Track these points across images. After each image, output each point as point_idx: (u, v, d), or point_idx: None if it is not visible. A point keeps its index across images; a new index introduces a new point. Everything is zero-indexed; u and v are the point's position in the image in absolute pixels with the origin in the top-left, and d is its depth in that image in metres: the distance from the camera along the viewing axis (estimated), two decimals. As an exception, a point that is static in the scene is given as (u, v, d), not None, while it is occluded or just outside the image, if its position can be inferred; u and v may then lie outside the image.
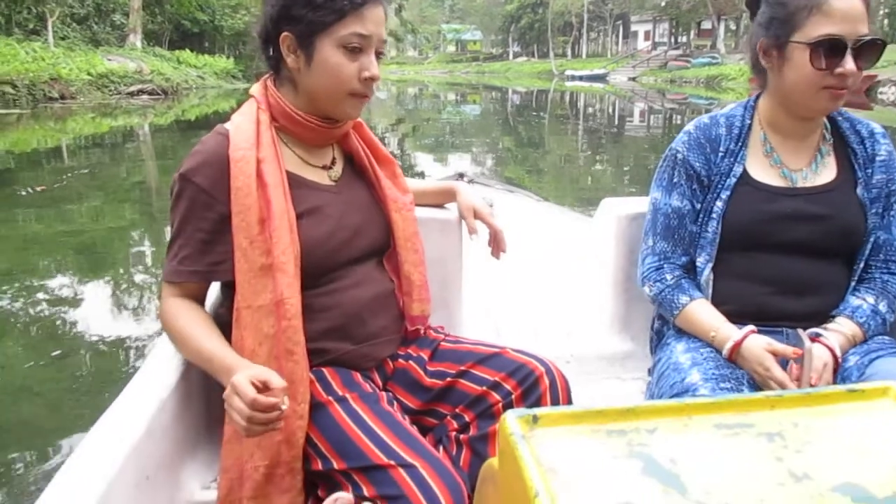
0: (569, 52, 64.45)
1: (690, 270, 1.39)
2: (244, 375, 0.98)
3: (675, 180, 1.37)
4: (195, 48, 30.62)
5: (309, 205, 1.17)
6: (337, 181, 1.25)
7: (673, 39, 52.80)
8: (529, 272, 1.93)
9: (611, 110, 22.22)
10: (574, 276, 2.01)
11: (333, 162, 1.26)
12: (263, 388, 0.98)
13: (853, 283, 1.34)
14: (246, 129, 1.15)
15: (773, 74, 1.28)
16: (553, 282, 2.07)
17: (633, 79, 43.71)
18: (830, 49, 1.18)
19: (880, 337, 1.32)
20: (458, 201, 1.54)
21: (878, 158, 1.33)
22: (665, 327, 1.46)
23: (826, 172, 1.32)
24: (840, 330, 1.29)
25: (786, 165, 1.32)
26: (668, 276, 1.36)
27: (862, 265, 1.34)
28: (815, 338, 1.26)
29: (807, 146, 1.33)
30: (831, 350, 1.24)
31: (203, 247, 1.14)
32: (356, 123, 1.31)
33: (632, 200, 1.80)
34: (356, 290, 1.20)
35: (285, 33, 1.12)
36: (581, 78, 44.93)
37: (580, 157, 10.73)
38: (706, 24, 50.89)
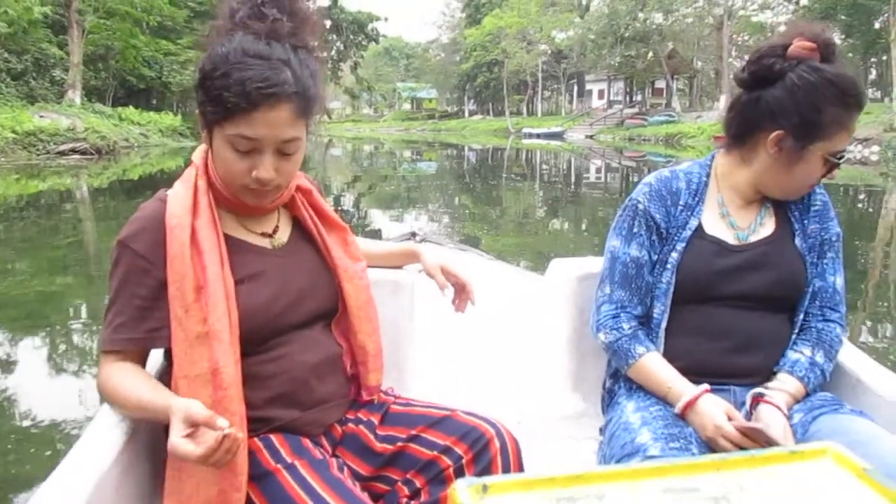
0: (524, 110, 66.12)
1: (644, 322, 1.44)
2: (175, 436, 0.97)
3: (634, 230, 1.43)
4: (141, 105, 30.59)
5: (250, 269, 1.18)
6: (281, 246, 1.26)
7: (628, 98, 54.66)
8: (481, 332, 1.97)
9: (568, 168, 22.73)
10: (526, 336, 2.04)
11: (276, 230, 1.27)
12: (195, 428, 0.98)
13: (794, 336, 1.42)
14: (182, 196, 1.16)
15: (772, 161, 1.35)
16: (505, 342, 2.09)
17: (591, 136, 44.85)
18: (836, 162, 1.32)
19: (822, 393, 1.39)
20: (423, 261, 1.56)
21: (812, 209, 1.44)
22: (616, 385, 1.50)
23: (768, 226, 1.43)
24: (783, 388, 1.35)
25: (736, 223, 1.41)
26: (625, 326, 1.41)
27: (802, 316, 1.42)
28: (759, 398, 1.32)
29: (754, 205, 1.44)
30: (779, 409, 1.29)
31: (140, 313, 1.13)
32: (303, 189, 1.32)
33: (581, 261, 1.86)
34: (302, 356, 1.21)
35: (198, 110, 1.14)
36: (538, 135, 46.01)
37: (538, 215, 10.91)
38: (660, 83, 53.00)
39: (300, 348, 1.21)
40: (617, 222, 1.48)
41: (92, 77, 29.95)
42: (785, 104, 1.29)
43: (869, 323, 4.76)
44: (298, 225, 1.32)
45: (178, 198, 1.16)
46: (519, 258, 6.95)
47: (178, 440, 0.96)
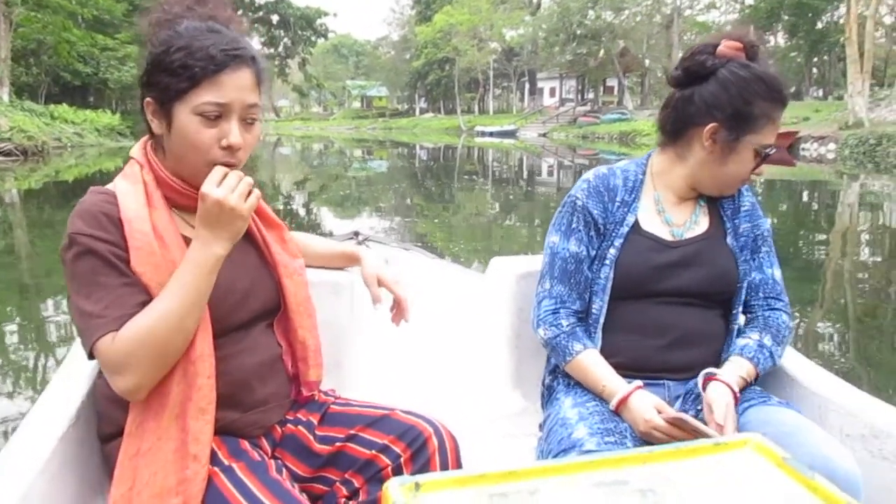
0: (476, 109, 66.32)
1: (583, 317, 1.49)
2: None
3: (573, 226, 1.49)
4: (77, 103, 29.71)
5: None
6: None
7: (580, 96, 55.32)
8: (423, 331, 1.96)
9: (521, 166, 22.89)
10: (467, 335, 2.08)
11: None
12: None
13: (734, 329, 1.50)
14: (133, 190, 1.15)
15: (706, 154, 1.42)
16: (446, 341, 2.12)
17: (544, 135, 45.19)
18: (766, 154, 1.41)
19: (752, 387, 1.47)
20: (362, 268, 1.56)
21: (742, 209, 1.53)
22: (555, 381, 1.55)
23: (702, 224, 1.50)
24: (733, 369, 1.42)
25: (672, 220, 1.49)
26: (564, 322, 1.46)
27: (738, 312, 1.51)
28: (711, 377, 1.39)
29: (689, 203, 1.52)
30: (728, 386, 1.36)
31: (124, 291, 1.09)
32: None
33: (521, 259, 1.91)
34: (243, 357, 1.21)
35: (148, 99, 1.15)
36: (491, 134, 46.19)
37: (491, 213, 10.97)
38: (611, 82, 53.77)
39: (241, 349, 1.22)
40: (556, 218, 1.53)
41: (22, 73, 28.96)
42: (718, 97, 1.37)
43: (805, 320, 4.91)
44: None
45: (128, 193, 1.14)
46: (471, 257, 6.96)
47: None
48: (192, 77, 1.09)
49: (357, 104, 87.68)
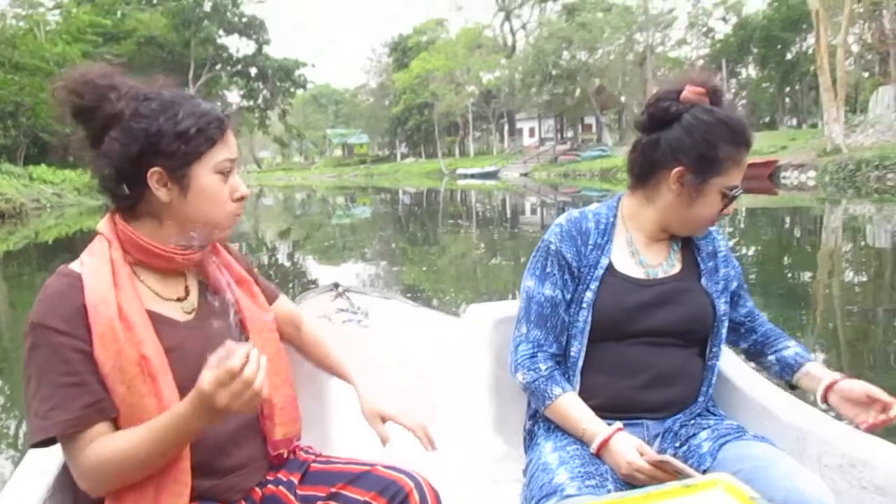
0: (456, 151, 66.99)
1: (561, 360, 1.51)
2: (208, 375, 0.99)
3: (548, 270, 1.51)
4: (56, 162, 29.55)
5: (169, 343, 1.16)
6: (193, 311, 1.24)
7: (559, 135, 56.03)
8: (404, 380, 1.96)
9: (504, 206, 22.99)
10: (448, 383, 2.08)
11: (187, 291, 1.26)
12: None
13: (713, 366, 1.53)
14: (100, 270, 1.14)
15: (674, 196, 1.45)
16: (427, 389, 2.11)
17: (526, 174, 45.65)
18: (732, 196, 1.44)
19: (728, 421, 1.50)
20: (361, 405, 1.49)
21: (718, 254, 1.57)
22: (535, 426, 1.55)
23: (675, 265, 1.53)
24: (822, 371, 1.50)
25: (645, 261, 1.51)
26: (542, 366, 1.47)
27: (717, 351, 1.54)
28: (832, 384, 1.43)
29: (662, 244, 1.54)
30: (855, 379, 1.43)
31: (72, 391, 1.07)
32: (213, 246, 1.32)
33: (497, 305, 1.94)
34: (214, 427, 1.16)
35: (155, 168, 1.14)
36: (473, 176, 46.59)
37: (476, 255, 10.92)
38: (589, 119, 54.56)
39: None
40: (531, 263, 1.55)
41: (0, 135, 28.91)
42: (684, 142, 1.40)
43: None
44: (207, 288, 1.31)
45: (95, 273, 1.14)
46: (459, 299, 6.90)
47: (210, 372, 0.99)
48: (211, 138, 1.16)
49: (338, 152, 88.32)
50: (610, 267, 1.48)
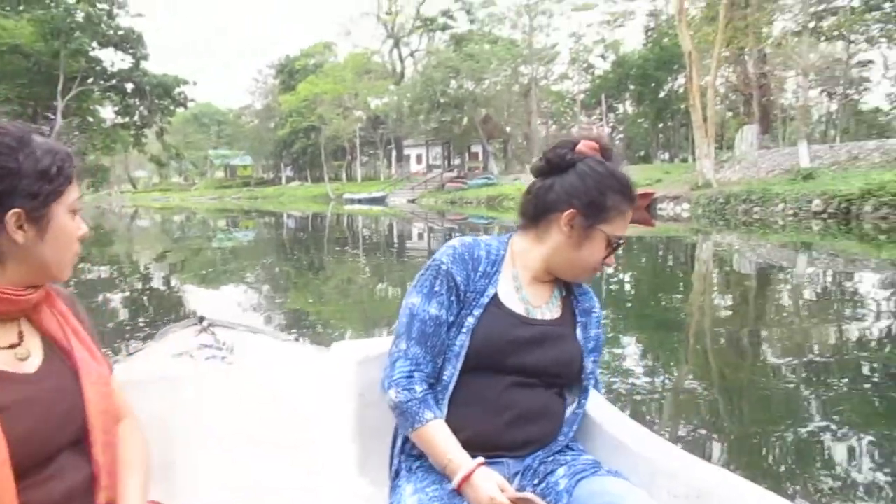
0: (343, 176, 66.60)
1: (433, 384, 1.50)
2: None
3: (436, 289, 1.50)
4: None
5: (7, 398, 1.08)
6: (27, 359, 1.16)
7: (447, 162, 56.70)
8: (266, 422, 1.88)
9: (391, 232, 22.87)
10: (312, 423, 2.03)
11: (21, 337, 1.17)
12: None
13: (568, 411, 1.58)
14: None
15: (564, 238, 1.52)
16: (291, 430, 2.03)
17: (413, 200, 45.83)
18: (615, 246, 1.53)
19: (585, 457, 1.54)
20: None
21: (593, 314, 1.64)
22: (399, 466, 1.55)
23: (556, 309, 1.59)
24: None
25: (528, 298, 1.55)
26: (418, 388, 1.45)
27: (575, 399, 1.60)
28: None
29: (546, 287, 1.60)
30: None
31: None
32: (48, 294, 1.25)
33: (362, 344, 1.93)
34: (51, 485, 1.11)
35: (14, 210, 1.09)
36: (360, 201, 46.30)
37: (362, 281, 10.69)
38: (476, 148, 55.55)
39: (49, 476, 1.11)
40: (419, 280, 1.54)
41: None
42: (577, 187, 1.49)
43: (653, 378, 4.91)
44: (45, 340, 1.23)
45: None
46: (345, 327, 6.67)
47: None
48: (68, 176, 1.16)
49: (220, 173, 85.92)
50: (495, 298, 1.51)
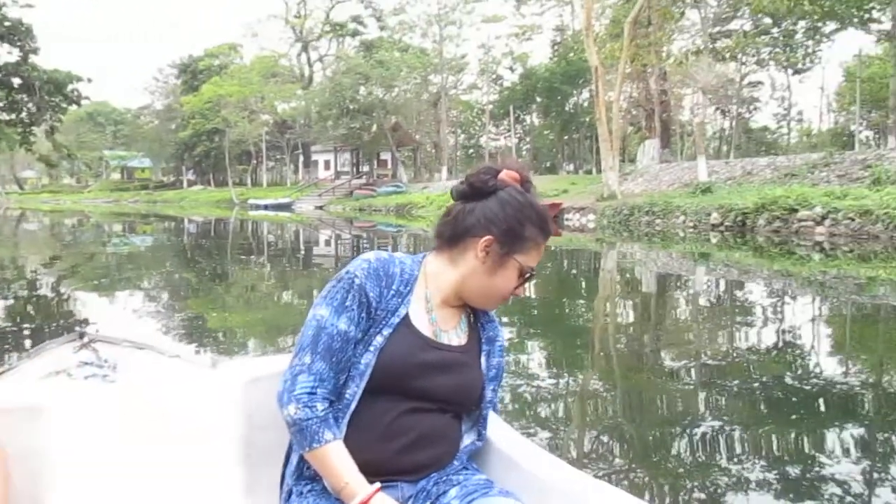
0: (248, 181, 65.12)
1: (334, 401, 1.46)
2: None
3: (347, 303, 1.45)
4: None
5: None
6: None
7: (355, 169, 56.30)
8: (153, 445, 1.76)
9: (298, 239, 22.40)
10: (198, 446, 1.92)
11: None
12: None
13: (463, 437, 1.59)
14: None
15: (478, 264, 1.51)
16: (176, 453, 1.91)
17: (321, 207, 45.29)
18: (527, 277, 1.54)
19: (478, 476, 1.53)
20: None
21: (497, 342, 1.63)
22: (292, 489, 1.51)
23: (463, 336, 1.58)
24: None
25: (439, 324, 1.53)
26: (319, 406, 1.41)
27: (471, 427, 1.61)
28: None
29: (455, 312, 1.58)
30: None
31: None
32: None
33: (248, 363, 1.87)
34: None
35: None
36: (266, 207, 45.33)
37: (265, 289, 10.34)
38: (385, 155, 55.41)
39: None
40: (329, 292, 1.48)
41: None
42: (497, 214, 1.49)
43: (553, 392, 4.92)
44: None
45: None
46: (241, 341, 6.38)
47: None
48: None
49: (117, 176, 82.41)
50: (406, 318, 1.49)
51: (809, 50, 46.11)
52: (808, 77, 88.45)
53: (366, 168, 56.21)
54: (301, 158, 63.42)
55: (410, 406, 1.46)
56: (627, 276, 12.13)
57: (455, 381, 1.51)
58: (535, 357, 5.72)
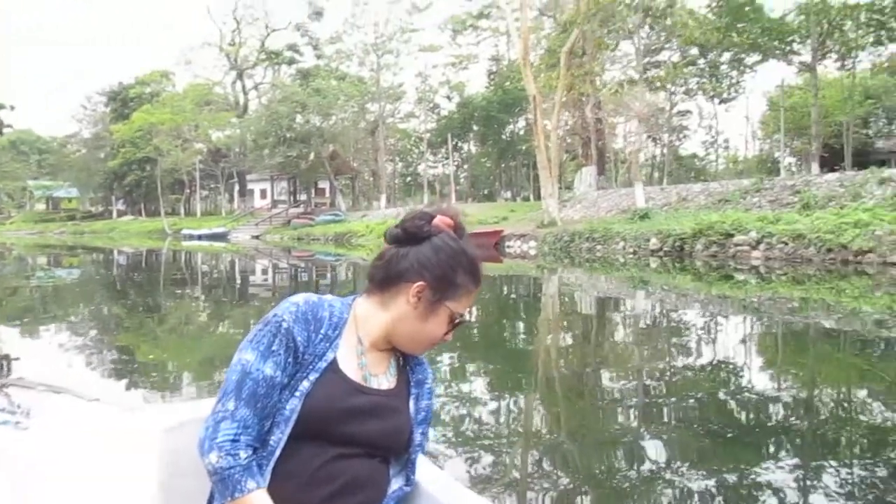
0: (182, 210, 63.76)
1: (258, 448, 1.42)
2: None
3: (273, 348, 1.42)
4: None
5: None
6: None
7: (293, 198, 55.73)
8: (68, 495, 1.67)
9: (234, 270, 21.87)
10: (119, 495, 1.82)
11: None
12: None
13: (391, 481, 1.56)
14: None
15: (409, 309, 1.51)
16: (96, 503, 1.81)
17: (257, 237, 44.62)
18: (457, 322, 1.55)
19: None
20: None
21: (426, 385, 1.63)
22: None
23: (392, 380, 1.57)
24: None
25: (368, 368, 1.52)
26: (242, 454, 1.37)
27: (399, 471, 1.58)
28: None
29: (385, 355, 1.58)
30: None
31: None
32: None
33: (172, 408, 1.81)
34: None
35: None
36: (200, 237, 44.35)
37: (200, 322, 9.95)
38: (323, 183, 55.06)
39: None
40: (255, 336, 1.45)
41: None
42: (430, 259, 1.50)
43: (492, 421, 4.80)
44: None
45: None
46: (175, 375, 6.07)
47: None
48: None
49: (42, 206, 79.51)
50: (334, 363, 1.47)
51: (734, 80, 48.05)
52: (734, 106, 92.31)
53: (303, 197, 55.70)
54: (237, 187, 62.48)
55: (337, 452, 1.44)
56: (568, 301, 12.18)
57: (383, 425, 1.50)
58: (472, 385, 5.59)
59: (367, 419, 1.48)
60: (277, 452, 1.42)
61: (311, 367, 1.45)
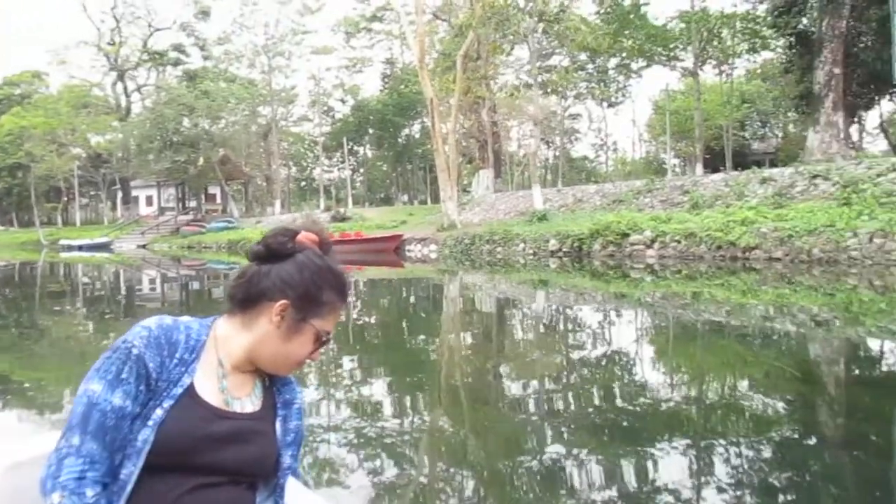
0: (59, 220, 60.28)
1: (108, 483, 1.32)
2: None
3: (123, 376, 1.34)
4: None
5: None
6: None
7: (181, 204, 53.58)
8: None
9: (118, 282, 20.69)
10: None
11: None
12: None
13: None
14: None
15: (273, 328, 1.45)
16: None
17: (144, 246, 42.73)
18: (324, 341, 1.51)
19: None
20: None
21: (294, 405, 1.57)
22: None
23: (256, 402, 1.50)
24: None
25: (230, 391, 1.45)
26: (89, 492, 1.27)
27: (267, 497, 1.51)
28: None
29: (249, 377, 1.51)
30: None
31: None
32: None
33: (13, 446, 1.65)
34: None
35: None
36: (80, 248, 41.95)
37: (81, 337, 9.26)
38: (213, 189, 53.25)
39: None
40: (103, 364, 1.36)
41: None
42: (294, 277, 1.45)
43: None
44: None
45: None
46: (29, 405, 5.49)
47: None
48: None
49: None
50: (191, 388, 1.39)
51: (621, 85, 49.86)
52: (621, 110, 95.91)
53: (193, 203, 53.70)
54: (120, 194, 59.61)
55: (198, 482, 1.36)
56: (469, 304, 12.17)
57: (247, 451, 1.44)
58: (359, 394, 5.37)
59: (228, 446, 1.41)
60: (129, 487, 1.32)
61: (165, 393, 1.37)
